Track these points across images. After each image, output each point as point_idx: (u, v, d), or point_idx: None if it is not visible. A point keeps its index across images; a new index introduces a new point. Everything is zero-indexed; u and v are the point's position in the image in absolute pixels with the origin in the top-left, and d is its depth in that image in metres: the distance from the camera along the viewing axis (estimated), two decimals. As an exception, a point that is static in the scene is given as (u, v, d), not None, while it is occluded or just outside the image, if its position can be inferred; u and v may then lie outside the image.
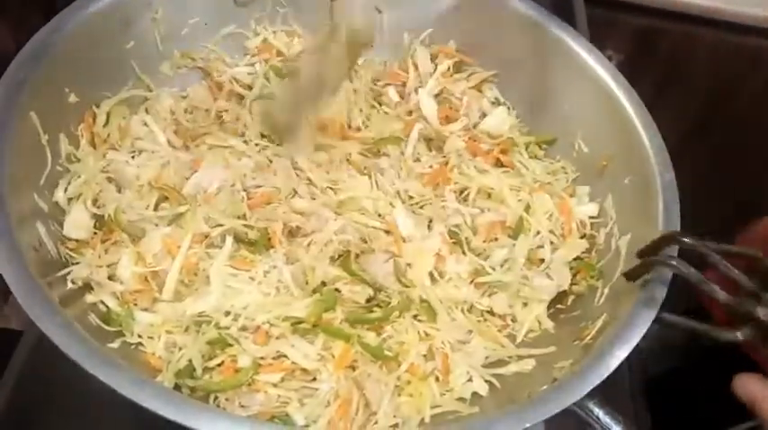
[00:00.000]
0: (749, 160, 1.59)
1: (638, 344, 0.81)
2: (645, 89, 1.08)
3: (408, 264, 0.98)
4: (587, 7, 1.64)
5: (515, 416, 0.74)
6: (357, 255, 0.98)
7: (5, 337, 1.14)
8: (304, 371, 0.88)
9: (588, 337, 0.88)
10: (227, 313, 0.89)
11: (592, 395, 0.76)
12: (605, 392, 0.79)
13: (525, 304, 0.99)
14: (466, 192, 1.08)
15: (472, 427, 0.76)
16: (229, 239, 0.95)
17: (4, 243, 0.78)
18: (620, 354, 0.79)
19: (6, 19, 1.17)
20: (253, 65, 1.21)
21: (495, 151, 1.12)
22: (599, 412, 0.76)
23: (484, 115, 1.18)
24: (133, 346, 0.89)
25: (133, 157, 1.04)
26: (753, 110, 1.63)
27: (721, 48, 1.75)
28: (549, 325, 0.98)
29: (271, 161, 1.05)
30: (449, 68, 1.20)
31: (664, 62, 1.78)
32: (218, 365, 0.88)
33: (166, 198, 1.00)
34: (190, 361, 0.87)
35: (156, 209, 0.99)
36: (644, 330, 0.81)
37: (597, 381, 0.76)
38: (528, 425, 0.72)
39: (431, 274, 0.99)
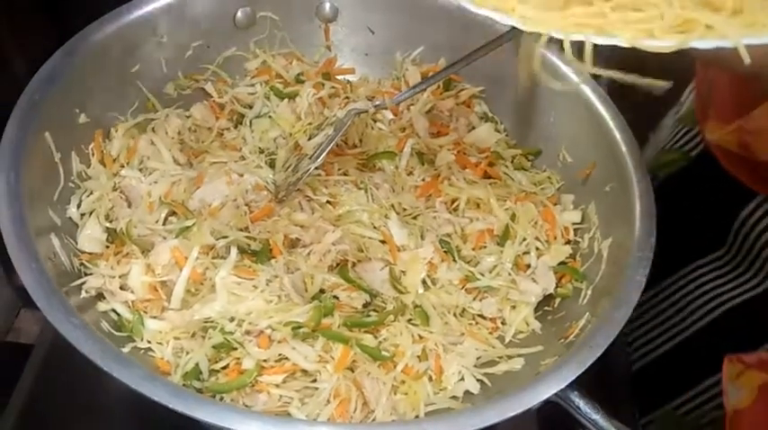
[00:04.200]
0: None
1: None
2: (636, 103, 1.12)
3: (403, 272, 1.03)
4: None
5: (498, 407, 0.78)
6: (354, 264, 1.03)
7: (16, 351, 1.18)
8: (305, 372, 0.93)
9: (572, 336, 0.92)
10: (232, 319, 0.94)
11: (573, 387, 0.81)
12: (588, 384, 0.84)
13: (514, 307, 1.04)
14: (456, 203, 1.12)
15: (456, 419, 0.79)
16: (233, 250, 1.00)
17: (24, 252, 0.83)
18: (599, 348, 0.84)
19: (21, 46, 1.22)
20: (253, 85, 1.26)
21: (483, 164, 1.17)
22: (579, 402, 0.80)
23: (473, 128, 1.23)
24: (142, 351, 0.93)
25: (144, 175, 1.09)
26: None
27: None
28: (536, 326, 1.03)
29: (267, 183, 1.10)
30: (439, 86, 1.25)
31: (654, 75, 1.81)
32: (224, 368, 0.93)
33: (174, 212, 1.05)
34: (196, 364, 0.91)
35: (164, 223, 1.04)
36: (621, 326, 0.86)
37: (576, 374, 0.81)
38: (511, 414, 0.77)
39: (424, 281, 1.03)
